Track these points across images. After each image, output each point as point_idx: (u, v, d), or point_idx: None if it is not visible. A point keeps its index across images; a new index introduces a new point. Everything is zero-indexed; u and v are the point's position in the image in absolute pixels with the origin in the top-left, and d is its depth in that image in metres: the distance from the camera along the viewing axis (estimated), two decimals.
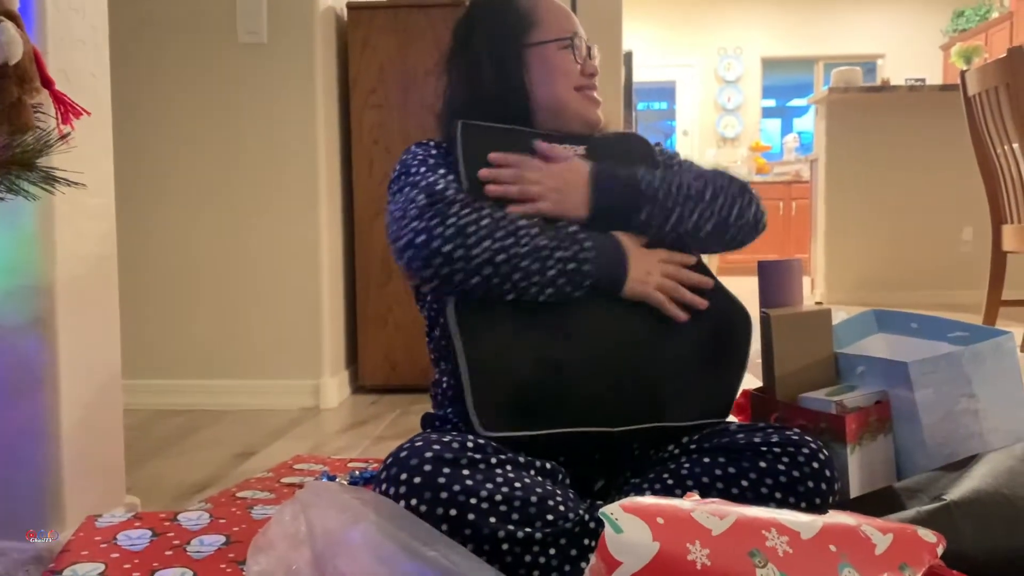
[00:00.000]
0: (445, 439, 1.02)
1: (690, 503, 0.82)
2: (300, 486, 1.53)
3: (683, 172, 1.26)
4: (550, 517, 0.98)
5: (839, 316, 1.44)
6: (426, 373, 1.31)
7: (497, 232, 1.09)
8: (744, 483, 1.07)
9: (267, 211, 2.52)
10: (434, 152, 1.25)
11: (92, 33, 1.37)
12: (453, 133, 1.22)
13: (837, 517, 0.86)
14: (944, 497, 1.09)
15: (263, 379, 2.53)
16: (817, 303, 4.76)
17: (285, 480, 1.61)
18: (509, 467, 1.02)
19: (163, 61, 2.50)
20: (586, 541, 0.98)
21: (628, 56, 4.54)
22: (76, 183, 1.06)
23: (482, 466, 1.00)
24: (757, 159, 8.33)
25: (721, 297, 1.22)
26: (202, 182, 2.52)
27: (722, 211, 1.22)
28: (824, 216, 4.99)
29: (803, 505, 1.06)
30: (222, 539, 1.18)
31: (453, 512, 0.95)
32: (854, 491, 1.19)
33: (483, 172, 1.18)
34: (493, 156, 1.19)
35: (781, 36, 8.55)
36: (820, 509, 1.05)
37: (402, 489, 0.97)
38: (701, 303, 1.19)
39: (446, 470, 0.98)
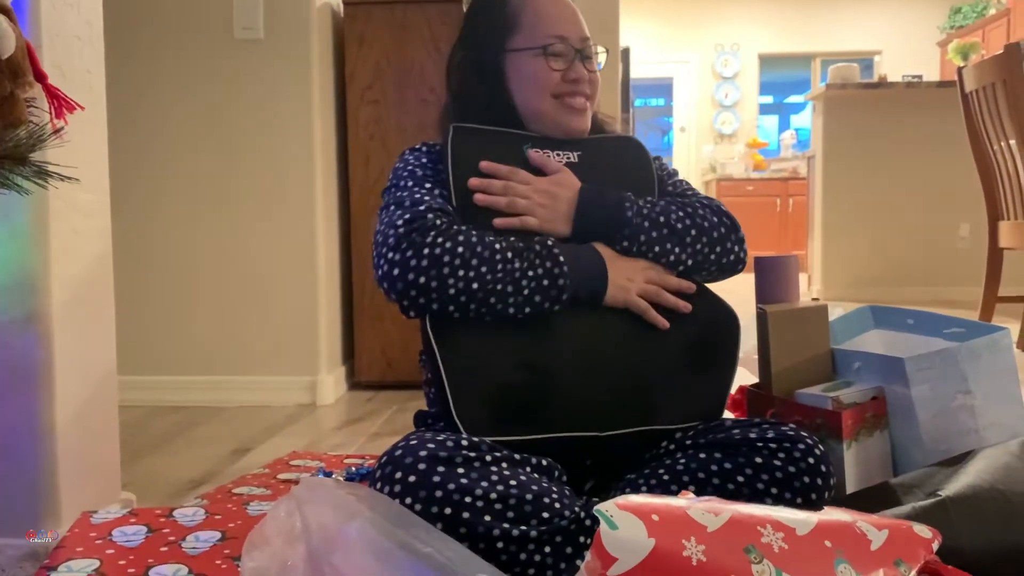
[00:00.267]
0: (439, 437, 1.01)
1: (685, 500, 0.82)
2: (296, 482, 1.53)
3: (674, 201, 1.25)
4: (545, 515, 0.97)
5: (835, 312, 1.44)
6: (421, 370, 1.31)
7: (472, 260, 1.09)
8: (740, 479, 1.07)
9: (263, 206, 2.51)
10: (425, 160, 1.24)
11: (87, 28, 1.36)
12: (445, 137, 1.22)
13: (832, 513, 0.86)
14: (940, 493, 1.09)
15: (259, 375, 2.52)
16: (814, 299, 4.76)
17: (281, 476, 1.61)
18: (504, 464, 1.01)
19: (159, 57, 2.50)
20: (582, 539, 0.98)
21: (625, 52, 4.54)
22: (69, 178, 1.06)
23: (477, 464, 1.00)
24: (754, 155, 8.32)
25: (706, 299, 1.22)
26: (198, 178, 2.51)
27: (704, 250, 1.22)
28: (821, 212, 4.99)
29: (799, 501, 1.06)
30: (217, 535, 1.18)
31: (448, 511, 0.95)
32: (850, 487, 1.19)
33: (472, 181, 1.18)
34: (484, 165, 1.19)
35: (778, 32, 8.55)
36: (816, 505, 1.05)
37: (397, 488, 0.97)
38: (684, 307, 1.18)
39: (441, 468, 0.97)
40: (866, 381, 1.26)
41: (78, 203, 1.32)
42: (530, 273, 1.11)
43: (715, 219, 1.24)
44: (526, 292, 1.10)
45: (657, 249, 1.19)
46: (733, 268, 1.27)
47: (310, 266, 2.52)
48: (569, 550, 0.97)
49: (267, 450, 1.97)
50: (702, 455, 1.11)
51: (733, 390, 1.26)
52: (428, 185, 1.19)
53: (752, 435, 1.10)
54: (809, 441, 1.09)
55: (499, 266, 1.10)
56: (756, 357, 1.31)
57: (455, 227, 1.12)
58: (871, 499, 1.16)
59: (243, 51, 2.48)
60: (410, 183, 1.20)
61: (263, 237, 2.51)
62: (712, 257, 1.23)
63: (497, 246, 1.11)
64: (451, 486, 0.96)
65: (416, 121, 2.62)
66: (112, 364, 1.45)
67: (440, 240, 1.09)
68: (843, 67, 5.01)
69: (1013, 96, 2.97)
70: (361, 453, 1.87)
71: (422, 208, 1.14)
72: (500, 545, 0.95)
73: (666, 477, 1.10)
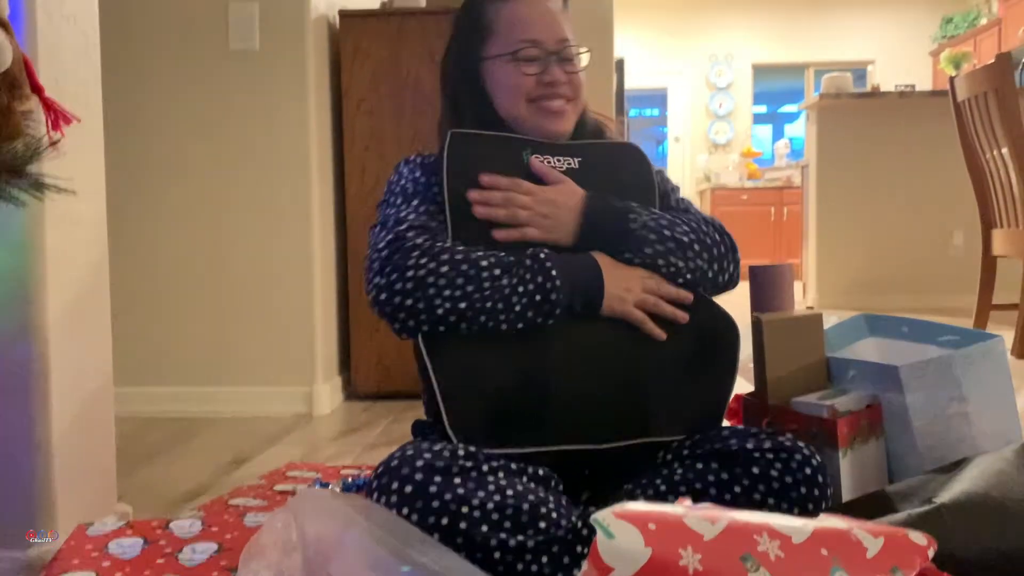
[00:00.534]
0: (436, 447, 1.01)
1: (682, 508, 0.82)
2: (293, 493, 1.53)
3: (679, 215, 1.25)
4: (542, 525, 0.97)
5: (830, 320, 1.44)
6: (418, 379, 1.31)
7: (458, 279, 1.08)
8: (737, 489, 1.07)
9: (260, 218, 2.51)
10: (418, 174, 1.23)
11: (83, 40, 1.37)
12: (443, 143, 1.21)
13: (828, 521, 0.86)
14: (935, 500, 1.09)
15: (256, 386, 2.52)
16: (808, 307, 4.78)
17: (278, 487, 1.61)
18: (501, 474, 1.01)
19: (155, 68, 2.50)
20: (579, 548, 0.98)
21: (620, 63, 4.55)
22: (66, 189, 1.06)
23: (474, 474, 1.00)
24: (749, 165, 8.35)
25: (706, 308, 1.21)
26: (194, 189, 2.52)
27: (703, 266, 1.21)
28: (815, 221, 5.01)
29: (796, 511, 1.06)
30: (214, 547, 1.18)
31: (445, 521, 0.95)
32: (846, 494, 1.19)
33: (472, 195, 1.17)
34: (484, 179, 1.18)
35: (772, 42, 8.60)
36: (813, 515, 1.05)
37: (394, 499, 0.97)
38: (682, 317, 1.17)
39: (437, 479, 0.97)
40: (861, 389, 1.26)
41: (74, 214, 1.32)
42: (520, 289, 1.09)
43: (717, 237, 1.24)
44: (518, 308, 1.09)
45: (660, 262, 1.18)
46: (726, 287, 1.27)
47: (306, 276, 2.52)
48: (566, 560, 0.97)
49: (264, 461, 1.96)
50: (699, 465, 1.11)
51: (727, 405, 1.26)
52: (415, 202, 1.18)
53: (749, 445, 1.10)
54: (806, 451, 1.09)
55: (486, 284, 1.08)
56: (752, 366, 1.31)
57: (438, 245, 1.10)
58: (867, 506, 1.16)
59: (238, 62, 2.48)
60: (398, 200, 1.20)
61: (259, 247, 2.51)
62: (710, 275, 1.22)
63: (484, 263, 1.09)
64: (448, 496, 0.96)
65: (412, 131, 2.63)
66: (108, 375, 1.45)
67: (423, 261, 1.08)
68: (836, 77, 5.03)
69: (1005, 105, 2.99)
70: (358, 463, 1.87)
71: (403, 227, 1.13)
72: (497, 555, 0.95)
73: (663, 488, 1.10)
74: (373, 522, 0.89)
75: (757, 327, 1.28)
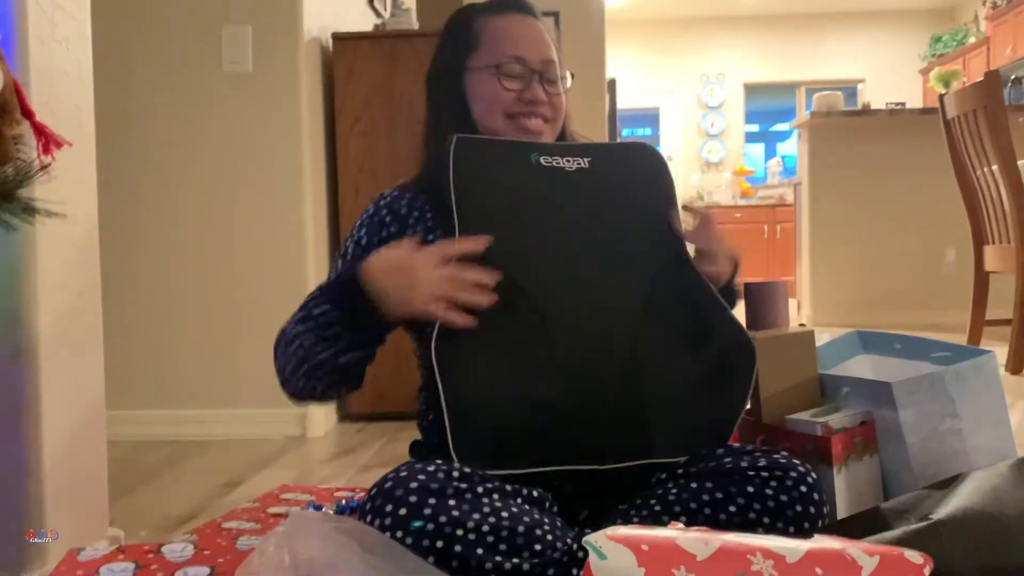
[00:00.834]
0: (430, 468, 1.00)
1: (675, 531, 0.82)
2: (286, 516, 1.52)
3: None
4: (538, 547, 0.97)
5: (823, 337, 1.44)
6: (413, 400, 1.31)
7: (290, 348, 1.20)
8: (732, 508, 1.07)
9: (253, 240, 2.51)
10: (385, 215, 1.25)
11: (76, 66, 1.37)
12: (447, 148, 1.16)
13: (822, 541, 0.86)
14: (931, 517, 1.09)
15: (248, 408, 2.51)
16: (800, 325, 4.78)
17: (271, 510, 1.60)
18: (496, 496, 1.01)
19: (148, 91, 2.51)
20: (574, 571, 0.97)
21: (612, 83, 4.58)
22: (57, 214, 1.06)
23: (468, 496, 0.99)
24: (741, 183, 8.39)
25: (722, 325, 1.17)
26: (187, 212, 2.52)
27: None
28: (808, 239, 5.02)
29: (792, 530, 1.05)
30: (206, 571, 1.17)
31: (440, 544, 0.95)
32: (841, 512, 1.19)
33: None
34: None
35: (763, 62, 8.66)
36: (809, 533, 1.04)
37: (388, 520, 0.96)
38: (481, 303, 1.06)
39: (432, 500, 0.97)
40: (855, 406, 1.26)
41: (66, 237, 1.32)
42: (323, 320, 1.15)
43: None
44: (333, 344, 1.14)
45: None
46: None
47: (299, 298, 2.48)
48: None
49: (257, 483, 1.95)
50: (693, 485, 1.10)
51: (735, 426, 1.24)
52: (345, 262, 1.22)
53: (743, 463, 1.09)
54: (801, 469, 1.08)
55: (306, 338, 1.18)
56: None
57: (286, 329, 1.21)
58: (861, 523, 1.16)
59: (231, 85, 2.49)
60: (338, 262, 1.24)
61: (252, 269, 2.51)
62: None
63: (299, 326, 1.19)
64: (443, 518, 0.95)
65: (405, 152, 2.63)
66: (100, 398, 1.44)
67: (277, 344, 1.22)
68: (827, 95, 5.07)
69: (994, 122, 3.01)
70: (351, 486, 1.86)
71: (299, 314, 1.21)
72: None
73: (657, 508, 1.09)
74: (365, 545, 0.88)
75: None
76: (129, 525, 1.56)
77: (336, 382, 1.18)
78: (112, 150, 2.16)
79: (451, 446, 1.05)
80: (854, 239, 4.94)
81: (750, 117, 8.95)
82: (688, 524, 0.92)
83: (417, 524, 0.95)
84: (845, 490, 1.20)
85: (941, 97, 3.44)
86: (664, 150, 8.86)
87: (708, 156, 8.75)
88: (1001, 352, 3.06)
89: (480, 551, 0.95)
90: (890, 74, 8.41)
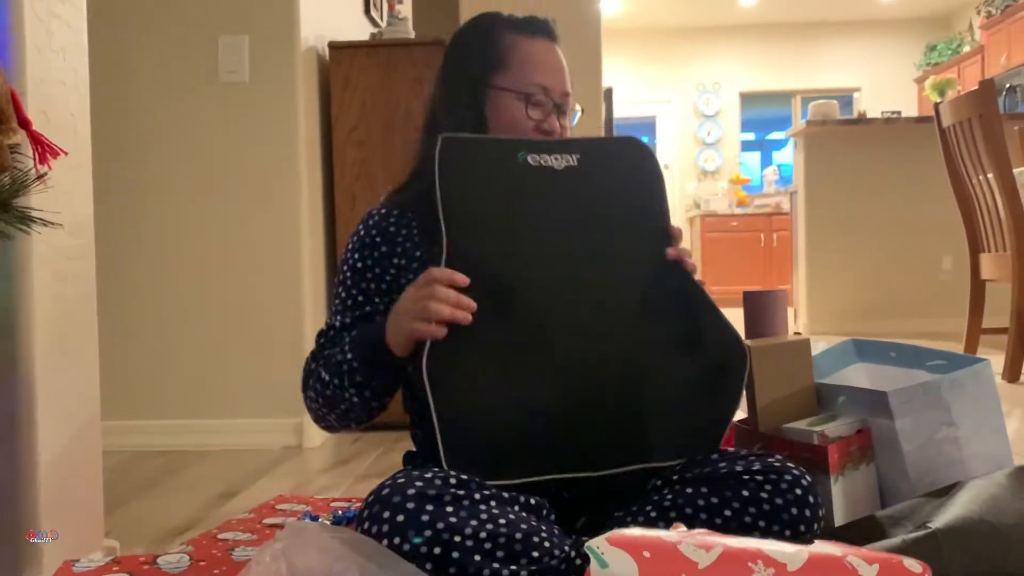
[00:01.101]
0: (427, 475, 1.00)
1: (676, 535, 0.81)
2: (282, 526, 1.51)
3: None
4: (535, 554, 0.97)
5: (819, 346, 1.44)
6: (407, 411, 1.31)
7: (311, 380, 1.21)
8: (727, 512, 1.07)
9: (249, 249, 2.51)
10: (375, 231, 1.26)
11: (73, 75, 1.37)
12: (432, 150, 1.14)
13: (823, 548, 0.86)
14: (930, 525, 1.09)
15: (245, 418, 2.50)
16: (796, 333, 4.78)
17: (267, 520, 1.59)
18: (493, 503, 1.00)
19: (145, 101, 2.51)
20: None
21: (608, 92, 4.59)
22: (53, 223, 1.06)
23: (466, 502, 0.99)
24: (738, 191, 8.41)
25: (714, 331, 1.17)
26: (183, 221, 2.52)
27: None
28: (805, 247, 5.03)
29: (788, 533, 1.05)
30: None
31: (437, 551, 0.94)
32: (838, 520, 1.19)
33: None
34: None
35: (759, 71, 8.69)
36: (805, 536, 1.04)
37: (385, 528, 0.96)
38: (463, 318, 1.04)
39: (429, 507, 0.96)
40: (851, 415, 1.26)
41: (62, 247, 1.32)
42: (339, 357, 1.17)
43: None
44: (347, 378, 1.15)
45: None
46: None
47: (296, 307, 2.52)
48: None
49: (253, 494, 1.94)
50: (688, 490, 1.10)
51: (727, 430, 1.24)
52: (354, 291, 1.24)
53: (738, 468, 1.10)
54: (796, 472, 1.08)
55: (324, 373, 1.19)
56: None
57: (313, 364, 1.22)
58: (859, 532, 1.16)
59: (228, 94, 2.49)
60: (340, 290, 1.26)
61: (248, 279, 2.51)
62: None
63: (323, 372, 1.19)
64: (440, 525, 0.95)
65: (402, 161, 2.61)
66: (96, 408, 1.43)
67: (306, 386, 1.22)
68: (823, 104, 5.09)
69: (989, 131, 3.02)
70: (348, 496, 1.85)
71: (319, 342, 1.24)
72: None
73: (653, 514, 1.09)
74: (362, 555, 0.88)
75: None
76: (125, 536, 1.55)
77: (368, 416, 1.24)
78: (108, 160, 2.16)
79: (443, 462, 1.04)
80: (851, 247, 4.95)
81: (746, 126, 8.98)
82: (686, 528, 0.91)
83: (414, 531, 0.95)
84: (842, 499, 1.19)
85: (936, 106, 3.45)
86: (661, 159, 8.85)
87: (704, 165, 8.77)
88: (997, 360, 3.06)
89: (477, 558, 0.95)
90: (886, 83, 8.44)
